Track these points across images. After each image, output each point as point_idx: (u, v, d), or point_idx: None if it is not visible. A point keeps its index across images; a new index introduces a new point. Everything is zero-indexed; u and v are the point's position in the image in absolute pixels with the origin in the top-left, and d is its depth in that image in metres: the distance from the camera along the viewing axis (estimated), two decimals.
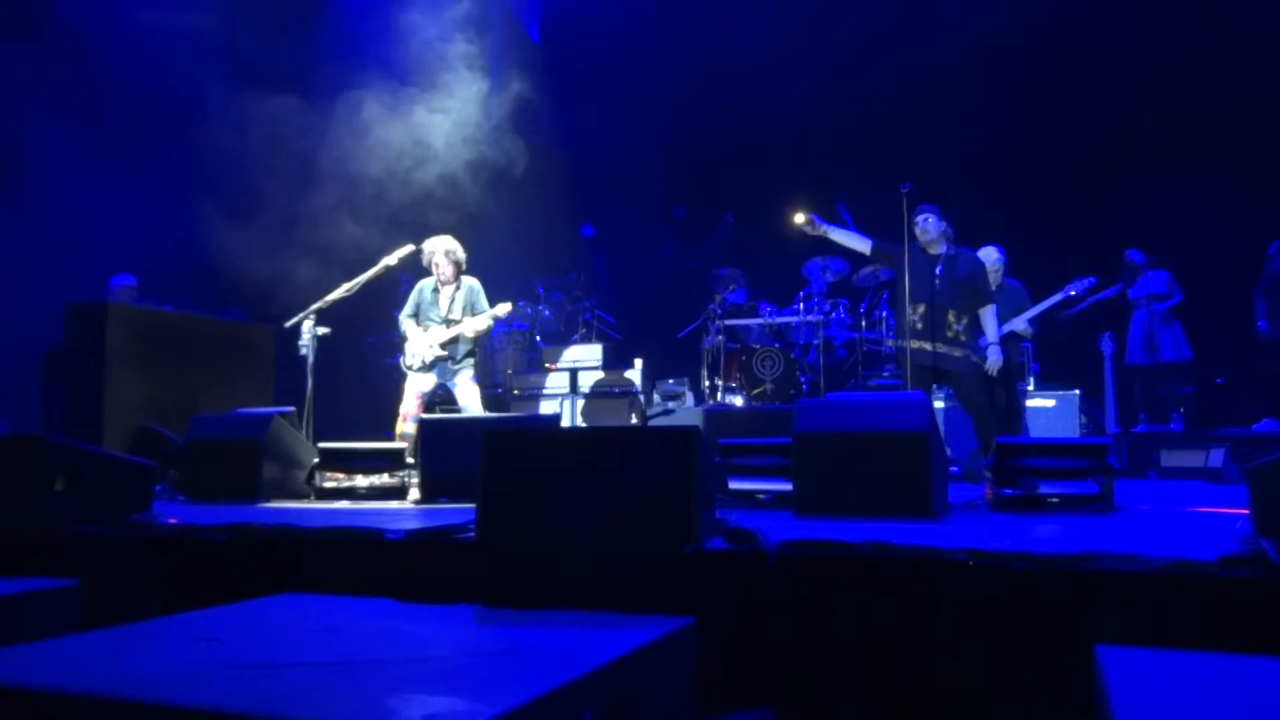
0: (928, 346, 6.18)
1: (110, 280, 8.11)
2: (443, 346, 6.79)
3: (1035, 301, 7.62)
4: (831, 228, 6.49)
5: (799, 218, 6.50)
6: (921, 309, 6.23)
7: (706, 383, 9.63)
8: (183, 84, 9.02)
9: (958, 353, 6.20)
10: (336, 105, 9.06)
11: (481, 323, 6.84)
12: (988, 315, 6.35)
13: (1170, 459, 7.36)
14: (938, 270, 6.23)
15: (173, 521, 3.45)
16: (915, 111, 10.16)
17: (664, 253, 11.89)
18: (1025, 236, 8.56)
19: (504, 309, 6.96)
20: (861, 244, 6.51)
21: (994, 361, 6.30)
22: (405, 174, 8.81)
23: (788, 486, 3.78)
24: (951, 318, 6.20)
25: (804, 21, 10.70)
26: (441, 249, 6.90)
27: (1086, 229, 9.68)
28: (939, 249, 6.30)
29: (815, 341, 9.33)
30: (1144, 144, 9.74)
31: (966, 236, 6.62)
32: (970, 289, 6.30)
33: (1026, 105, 10.07)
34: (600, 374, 9.63)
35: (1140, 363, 8.98)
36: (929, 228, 6.30)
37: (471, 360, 6.94)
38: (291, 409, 5.40)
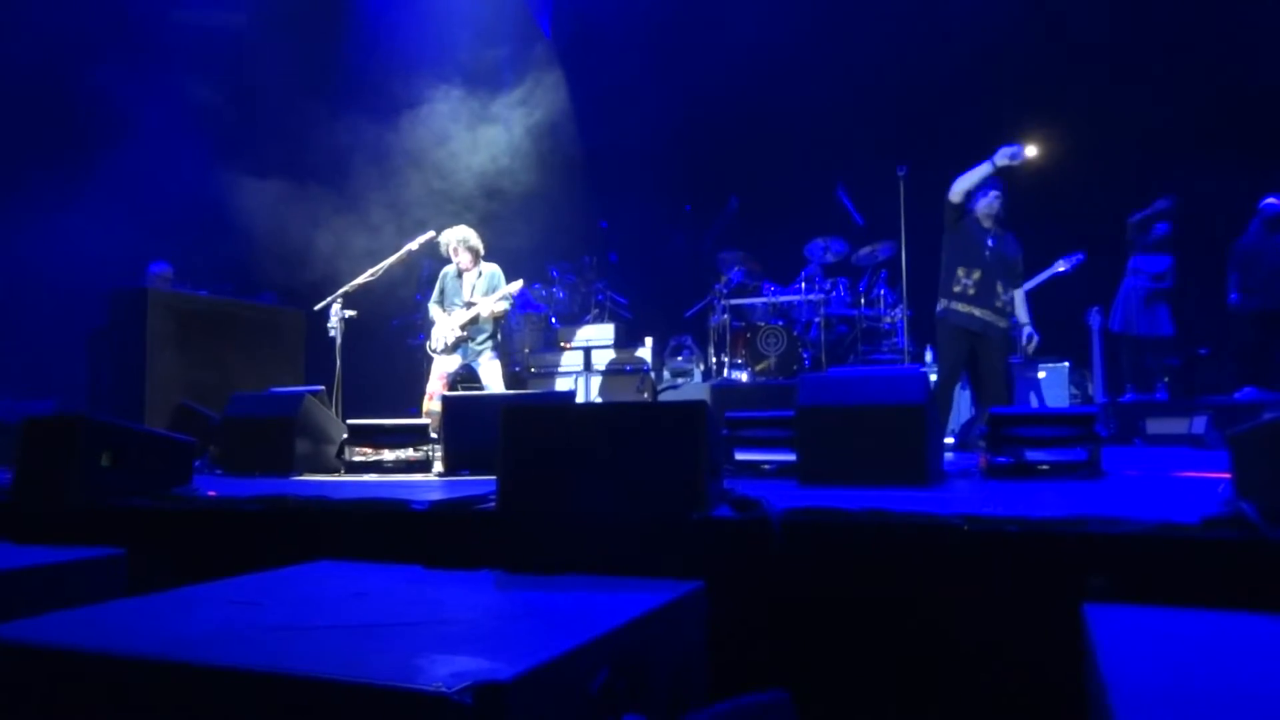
0: (976, 312, 6.05)
1: (147, 267, 8.14)
2: (463, 328, 6.81)
3: (1025, 279, 7.58)
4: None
5: (1030, 150, 6.00)
6: (977, 275, 6.06)
7: (713, 359, 9.63)
8: (216, 79, 9.02)
9: (1003, 323, 6.12)
10: (365, 101, 9.04)
11: (497, 304, 6.84)
12: (1021, 296, 6.31)
13: (1155, 426, 7.34)
14: (989, 242, 6.12)
15: (212, 494, 3.47)
16: (912, 96, 10.08)
17: (673, 240, 11.85)
18: (1017, 214, 8.50)
19: (515, 286, 6.96)
20: (971, 184, 6.08)
21: (1038, 342, 6.33)
22: (428, 165, 8.80)
23: (791, 457, 3.77)
24: (1000, 289, 6.10)
25: (805, 6, 10.60)
26: (458, 238, 6.91)
27: (1076, 205, 9.59)
28: (991, 224, 6.18)
29: (817, 319, 9.30)
30: (1134, 122, 9.63)
31: None
32: (1016, 268, 6.24)
33: (1021, 88, 9.97)
34: (613, 352, 9.64)
35: (1119, 331, 8.91)
36: (996, 203, 6.15)
37: (492, 342, 6.95)
38: (321, 388, 5.41)
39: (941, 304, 6.16)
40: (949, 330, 6.10)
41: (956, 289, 6.10)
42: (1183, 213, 8.73)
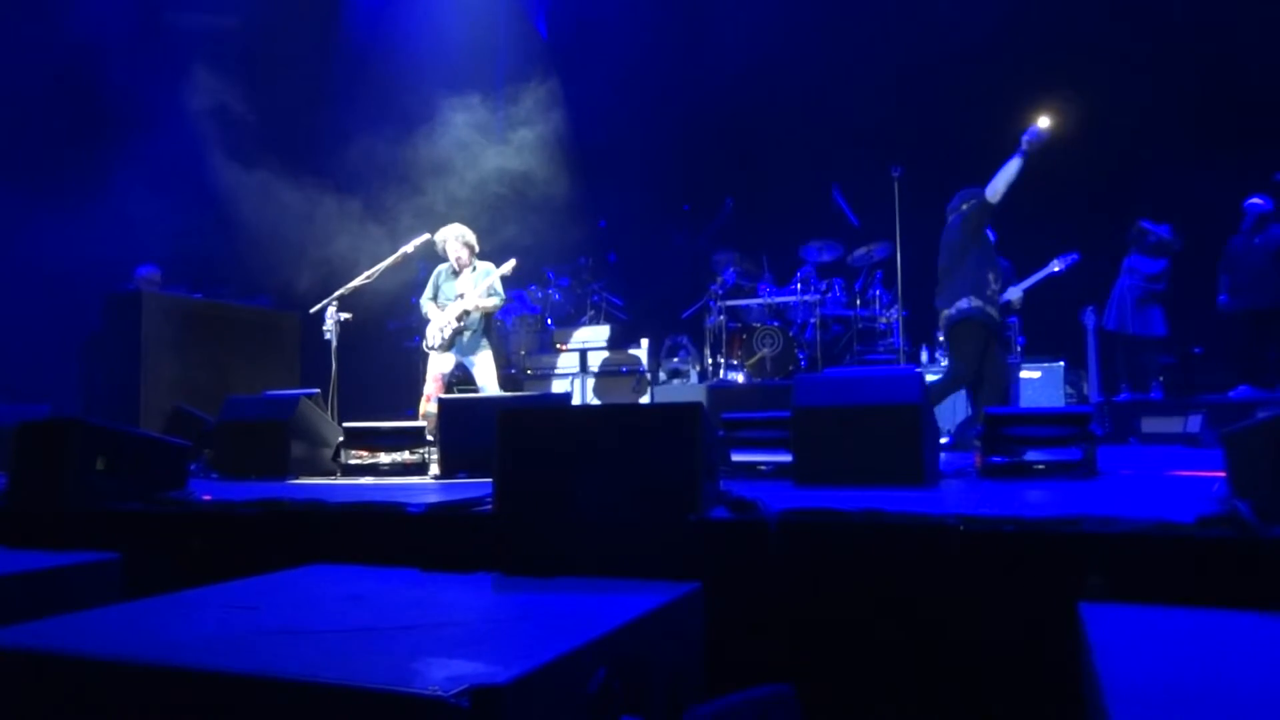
0: (994, 312, 6.20)
1: (135, 270, 8.12)
2: (457, 319, 6.79)
3: (1020, 279, 7.60)
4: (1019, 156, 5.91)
5: (1044, 122, 5.87)
6: (993, 276, 6.25)
7: (709, 360, 9.63)
8: (211, 82, 9.00)
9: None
10: (360, 104, 9.01)
11: (490, 298, 6.85)
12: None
13: (1150, 425, 7.36)
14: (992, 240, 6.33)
15: (207, 498, 3.47)
16: (907, 98, 10.08)
17: (669, 241, 11.85)
18: (1013, 213, 8.51)
19: (508, 266, 6.97)
20: (1008, 182, 5.96)
21: None
22: (425, 167, 8.78)
23: (788, 458, 3.77)
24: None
25: (800, 9, 10.60)
26: (453, 234, 6.93)
27: (1071, 205, 9.60)
28: None
29: (812, 319, 9.31)
30: (1130, 123, 9.65)
31: None
32: None
33: (1016, 88, 9.97)
34: (608, 354, 9.64)
35: (1112, 329, 8.93)
36: None
37: (488, 341, 6.95)
38: (317, 390, 5.40)
39: (973, 302, 6.05)
40: (976, 328, 6.06)
41: (988, 292, 6.13)
42: (1180, 226, 8.76)
